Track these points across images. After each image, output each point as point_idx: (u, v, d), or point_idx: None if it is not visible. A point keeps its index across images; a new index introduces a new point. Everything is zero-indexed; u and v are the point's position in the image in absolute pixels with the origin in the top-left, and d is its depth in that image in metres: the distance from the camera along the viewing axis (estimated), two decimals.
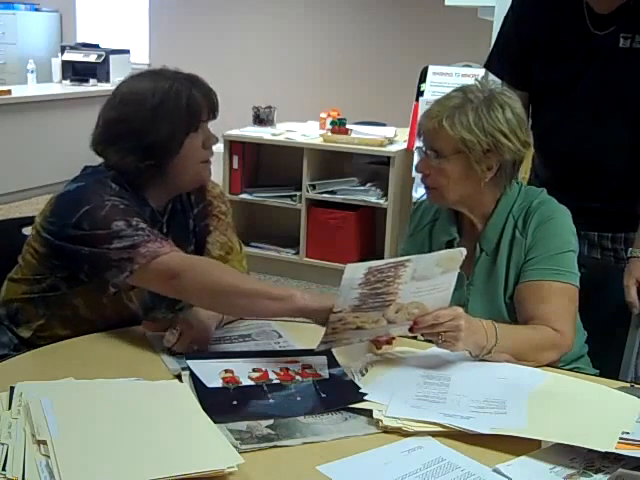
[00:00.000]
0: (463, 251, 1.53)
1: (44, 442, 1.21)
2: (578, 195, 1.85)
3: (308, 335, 1.71)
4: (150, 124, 1.65)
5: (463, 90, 1.76)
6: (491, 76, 2.31)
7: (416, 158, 1.84)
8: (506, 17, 2.26)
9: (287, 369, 1.56)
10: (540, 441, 1.31)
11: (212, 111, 1.74)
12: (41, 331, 1.73)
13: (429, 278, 1.50)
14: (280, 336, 1.76)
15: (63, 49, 7.44)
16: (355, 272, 1.45)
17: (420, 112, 4.31)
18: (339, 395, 1.47)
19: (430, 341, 1.64)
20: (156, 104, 1.66)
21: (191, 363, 1.53)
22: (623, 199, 2.12)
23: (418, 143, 1.82)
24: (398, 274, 1.47)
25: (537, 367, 1.61)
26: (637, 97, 2.04)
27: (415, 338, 1.72)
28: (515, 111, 1.74)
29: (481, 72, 3.91)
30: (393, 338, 1.65)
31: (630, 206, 2.12)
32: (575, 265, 1.77)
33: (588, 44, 2.05)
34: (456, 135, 1.69)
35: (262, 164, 5.12)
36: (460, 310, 1.55)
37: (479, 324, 1.58)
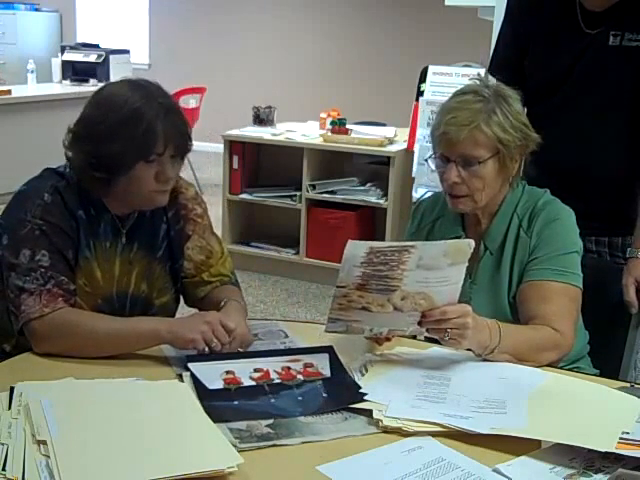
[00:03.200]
0: (471, 243, 1.51)
1: (44, 442, 1.21)
2: (564, 195, 1.85)
3: (315, 335, 1.72)
4: (106, 137, 1.62)
5: (474, 91, 1.74)
6: (482, 73, 2.31)
7: (436, 167, 1.77)
8: (503, 21, 2.26)
9: (288, 368, 1.56)
10: (540, 441, 1.31)
11: (175, 147, 1.66)
12: (21, 346, 1.68)
13: (436, 269, 1.49)
14: (286, 336, 1.76)
15: (63, 49, 7.43)
16: (356, 249, 1.46)
17: (420, 112, 4.31)
18: (340, 395, 1.47)
19: (432, 339, 1.64)
20: (118, 120, 1.62)
21: (192, 365, 1.53)
22: (608, 200, 2.11)
23: (440, 152, 1.75)
24: (402, 259, 1.47)
25: (537, 367, 1.61)
26: (625, 95, 2.04)
27: (414, 338, 1.72)
28: (519, 99, 1.76)
29: (481, 72, 3.89)
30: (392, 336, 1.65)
31: (614, 209, 2.11)
32: (578, 266, 1.76)
33: (579, 43, 2.06)
34: (495, 136, 1.69)
35: (262, 164, 5.12)
36: (468, 308, 1.54)
37: (484, 323, 1.58)
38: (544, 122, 1.89)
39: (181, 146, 1.67)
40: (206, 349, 1.57)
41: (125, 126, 1.62)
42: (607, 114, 2.06)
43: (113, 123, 1.62)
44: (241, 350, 1.62)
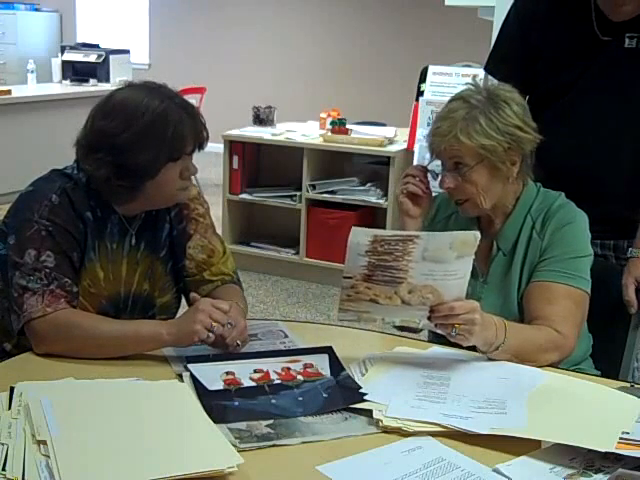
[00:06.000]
0: (477, 235, 1.50)
1: (44, 442, 1.21)
2: (570, 198, 1.84)
3: (315, 335, 1.72)
4: (131, 146, 1.62)
5: (462, 98, 1.74)
6: (481, 75, 2.29)
7: (433, 178, 1.81)
8: (506, 20, 2.22)
9: (288, 369, 1.56)
10: (540, 441, 1.31)
11: (198, 144, 1.70)
12: (21, 345, 1.68)
13: (442, 261, 1.49)
14: (286, 336, 1.76)
15: (63, 49, 7.43)
16: (360, 237, 1.47)
17: (420, 112, 4.31)
18: (340, 395, 1.47)
19: (434, 338, 1.64)
20: (142, 127, 1.62)
21: (192, 367, 1.53)
22: (615, 204, 2.09)
23: (432, 164, 1.78)
24: (407, 250, 1.47)
25: (537, 367, 1.61)
26: (636, 97, 2.03)
27: (416, 331, 1.72)
28: (517, 101, 1.75)
29: (481, 72, 3.89)
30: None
31: (620, 212, 2.09)
32: (587, 271, 1.76)
33: (595, 50, 2.03)
34: (476, 144, 1.69)
35: (262, 164, 5.12)
36: (476, 304, 1.54)
37: (491, 320, 1.57)
38: (552, 125, 1.88)
39: (203, 141, 1.71)
40: (211, 336, 1.57)
41: (152, 132, 1.62)
42: (616, 116, 2.05)
43: (139, 131, 1.62)
44: (239, 343, 1.62)
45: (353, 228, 1.47)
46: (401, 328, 1.79)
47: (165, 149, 1.64)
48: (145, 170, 1.64)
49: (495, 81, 1.94)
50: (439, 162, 1.79)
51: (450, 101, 1.77)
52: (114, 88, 1.75)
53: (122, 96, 1.68)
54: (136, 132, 1.62)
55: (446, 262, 1.49)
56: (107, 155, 1.64)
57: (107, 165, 1.64)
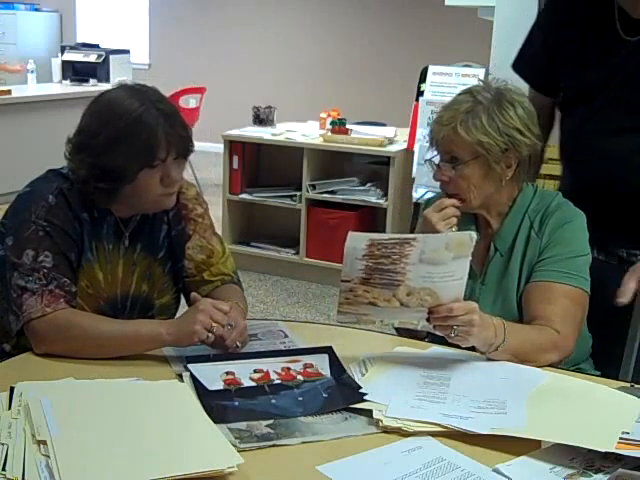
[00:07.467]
0: (473, 235, 1.50)
1: (44, 442, 1.21)
2: (601, 207, 1.78)
3: (314, 335, 1.72)
4: (107, 148, 1.62)
5: (470, 92, 1.75)
6: (494, 74, 2.28)
7: (431, 168, 1.80)
8: (536, 21, 2.19)
9: (288, 369, 1.56)
10: (540, 441, 1.31)
11: (177, 151, 1.65)
12: (21, 346, 1.68)
13: (440, 263, 1.49)
14: (286, 336, 1.76)
15: (63, 49, 7.44)
16: (357, 241, 1.47)
17: (420, 112, 4.31)
18: (340, 395, 1.47)
19: (434, 338, 1.64)
20: (118, 130, 1.61)
21: (192, 367, 1.53)
22: None
23: (430, 154, 1.79)
24: (404, 252, 1.48)
25: (537, 367, 1.61)
26: None
27: (414, 337, 1.71)
28: (524, 106, 1.74)
29: (481, 72, 3.90)
30: None
31: None
32: (587, 270, 1.76)
33: (618, 50, 1.99)
34: (473, 139, 1.69)
35: (262, 164, 5.13)
36: (474, 305, 1.54)
37: (489, 321, 1.57)
38: (579, 130, 1.82)
39: (183, 149, 1.68)
40: (210, 337, 1.57)
41: (126, 136, 1.62)
42: None
43: (113, 134, 1.62)
44: (239, 344, 1.62)
45: (350, 233, 1.47)
46: (400, 331, 1.79)
47: (138, 154, 1.63)
48: (121, 173, 1.63)
49: (502, 79, 1.93)
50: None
51: (458, 94, 1.78)
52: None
53: (108, 97, 1.69)
54: (112, 135, 1.62)
55: (443, 263, 1.49)
56: (87, 156, 1.64)
57: (87, 165, 1.65)
